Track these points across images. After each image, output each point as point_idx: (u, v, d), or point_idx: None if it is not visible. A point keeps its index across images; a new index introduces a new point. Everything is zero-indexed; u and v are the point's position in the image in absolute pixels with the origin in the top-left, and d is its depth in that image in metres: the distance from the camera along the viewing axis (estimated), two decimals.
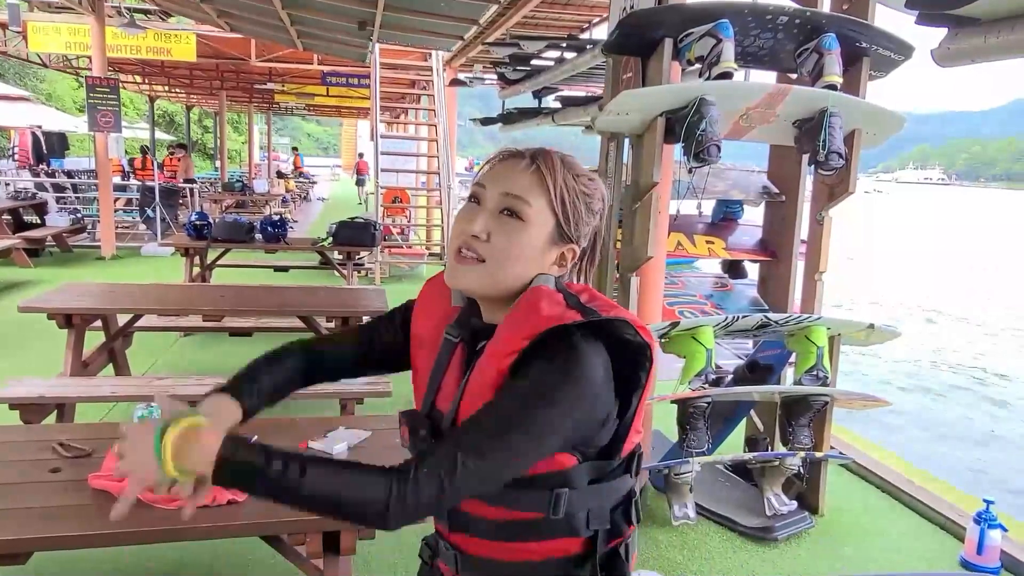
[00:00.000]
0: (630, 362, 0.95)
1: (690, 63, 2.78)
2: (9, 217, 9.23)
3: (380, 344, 1.17)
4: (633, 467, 1.02)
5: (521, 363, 0.92)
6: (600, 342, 0.93)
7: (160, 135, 22.24)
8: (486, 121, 6.54)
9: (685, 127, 2.61)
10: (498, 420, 0.89)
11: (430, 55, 10.44)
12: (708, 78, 2.66)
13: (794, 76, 3.10)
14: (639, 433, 1.01)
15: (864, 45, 2.89)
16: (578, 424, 0.92)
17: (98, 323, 4.08)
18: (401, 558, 2.68)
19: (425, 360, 1.07)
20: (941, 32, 2.10)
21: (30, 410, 3.19)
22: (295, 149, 29.24)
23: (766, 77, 3.34)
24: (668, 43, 2.78)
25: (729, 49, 2.63)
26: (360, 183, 23.19)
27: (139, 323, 4.36)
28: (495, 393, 0.93)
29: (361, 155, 24.30)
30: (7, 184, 11.04)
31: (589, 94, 5.42)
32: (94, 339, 4.11)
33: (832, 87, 2.74)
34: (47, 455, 2.04)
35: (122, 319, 4.26)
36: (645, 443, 3.17)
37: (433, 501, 0.87)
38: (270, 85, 16.17)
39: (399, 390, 4.17)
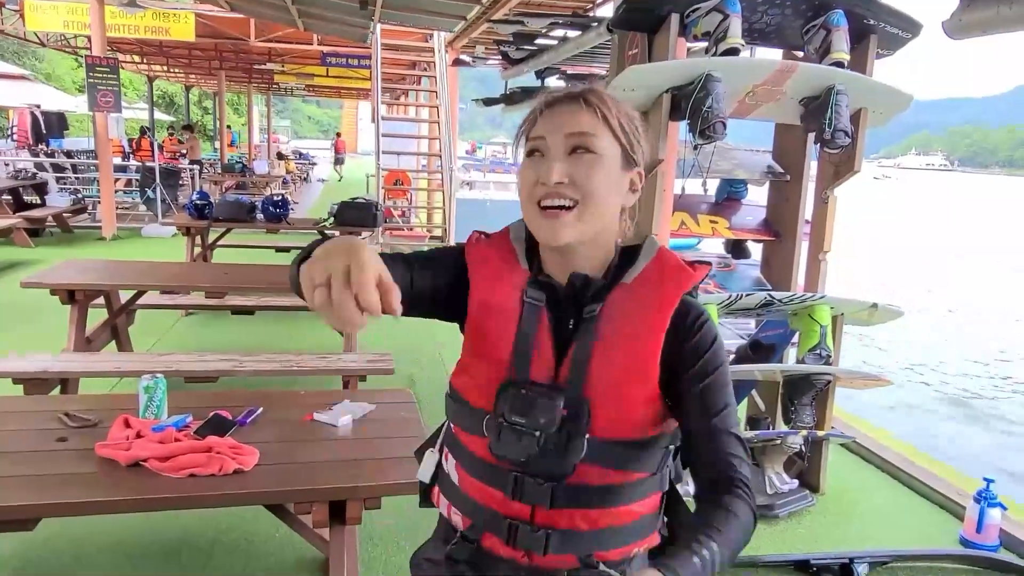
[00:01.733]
0: None
1: (696, 39, 2.76)
2: (9, 197, 9.21)
3: (426, 284, 1.03)
4: None
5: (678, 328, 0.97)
6: None
7: (159, 116, 22.13)
8: (488, 101, 6.50)
9: (691, 103, 2.60)
10: (725, 390, 0.97)
11: (432, 36, 10.37)
12: (715, 54, 2.64)
13: (800, 54, 3.08)
14: None
15: (872, 22, 2.87)
16: None
17: (100, 301, 4.08)
18: (403, 527, 2.70)
19: (500, 329, 1.01)
20: (952, 5, 2.08)
21: (34, 384, 3.20)
22: (339, 134, 29.01)
23: (771, 55, 3.32)
24: (675, 18, 2.76)
25: (736, 25, 2.61)
26: (339, 161, 24.98)
27: (141, 300, 4.36)
28: (692, 370, 0.96)
29: (338, 134, 26.50)
30: (7, 164, 11.00)
31: (592, 73, 5.38)
32: (96, 317, 4.11)
33: (839, 64, 2.72)
34: (53, 425, 2.06)
35: (124, 296, 4.26)
36: None
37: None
38: (270, 65, 16.08)
39: (401, 369, 4.18)
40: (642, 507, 1.01)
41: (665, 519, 1.07)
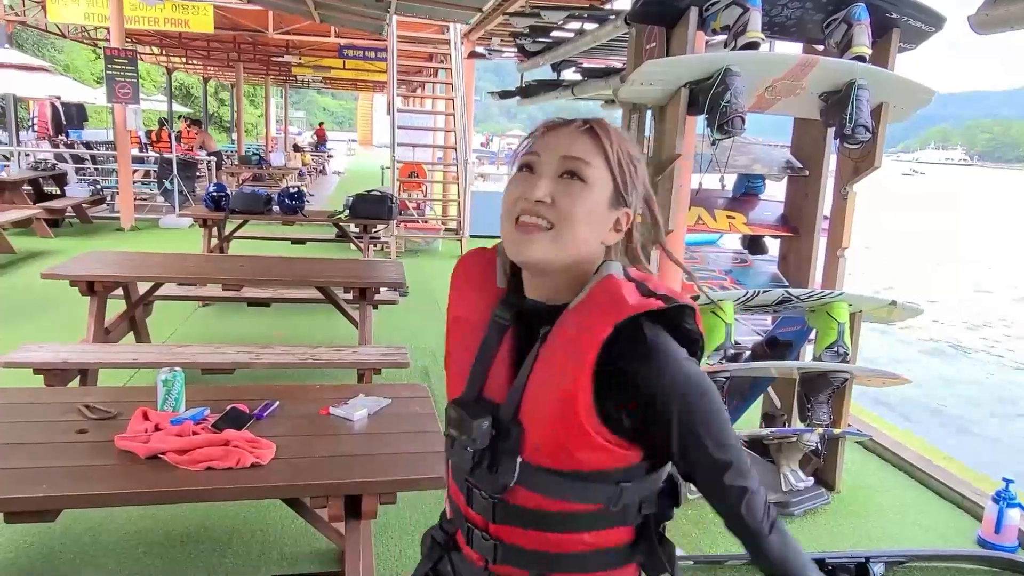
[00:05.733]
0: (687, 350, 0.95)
1: (715, 32, 2.74)
2: (29, 187, 9.31)
3: None
4: None
5: (606, 362, 0.89)
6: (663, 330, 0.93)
7: (177, 107, 22.25)
8: (504, 94, 6.48)
9: (709, 98, 2.57)
10: (718, 431, 0.91)
11: (448, 28, 10.33)
12: (734, 48, 2.62)
13: (820, 47, 3.05)
14: None
15: (894, 16, 2.83)
16: None
17: (119, 292, 4.12)
18: (417, 521, 2.72)
19: (465, 343, 1.02)
20: (977, 1, 2.05)
21: (53, 375, 3.24)
22: (321, 124, 29.77)
23: (790, 48, 3.28)
24: (693, 12, 2.73)
25: (756, 18, 2.58)
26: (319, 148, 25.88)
27: (159, 292, 4.41)
28: (689, 416, 0.89)
29: (321, 123, 29.60)
30: (27, 155, 11.12)
31: (609, 67, 5.35)
32: (114, 308, 4.16)
33: (861, 59, 2.69)
34: (73, 417, 2.08)
35: (142, 288, 4.30)
36: None
37: (762, 492, 0.95)
38: (287, 58, 16.11)
39: (415, 362, 4.20)
40: (597, 539, 0.96)
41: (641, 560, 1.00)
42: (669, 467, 0.99)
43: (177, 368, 2.17)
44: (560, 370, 0.91)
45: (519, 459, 0.94)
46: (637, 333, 0.90)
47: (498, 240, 1.02)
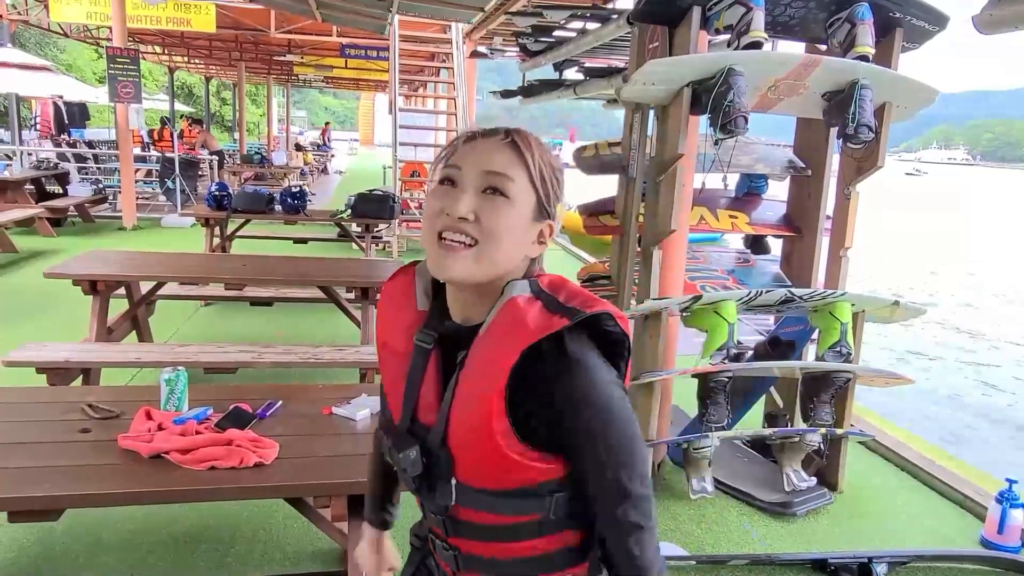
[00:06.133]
0: (610, 354, 0.94)
1: (718, 32, 2.74)
2: (32, 187, 9.32)
3: None
4: None
5: (523, 384, 0.89)
6: (588, 339, 0.92)
7: (179, 107, 22.27)
8: (506, 94, 6.47)
9: (712, 97, 2.57)
10: (625, 460, 0.90)
11: (450, 27, 10.33)
12: (737, 47, 2.62)
13: (823, 47, 3.04)
14: None
15: (897, 15, 2.83)
16: None
17: (121, 291, 4.13)
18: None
19: (395, 369, 1.01)
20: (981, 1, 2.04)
21: (56, 374, 3.24)
22: (327, 123, 30.01)
23: (793, 48, 3.28)
24: (696, 11, 2.73)
25: (759, 18, 2.58)
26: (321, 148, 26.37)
27: (161, 291, 4.41)
28: (593, 437, 0.89)
29: (327, 123, 30.40)
30: (30, 154, 11.13)
31: (611, 67, 5.34)
32: (117, 307, 4.16)
33: (864, 58, 2.68)
34: (76, 416, 2.08)
35: (145, 287, 4.30)
36: (663, 417, 3.17)
37: (653, 522, 0.93)
38: (289, 57, 16.11)
39: None
40: (548, 543, 0.97)
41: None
42: None
43: (180, 367, 2.17)
44: (475, 397, 0.91)
45: (453, 481, 0.95)
46: (559, 346, 0.89)
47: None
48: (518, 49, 6.03)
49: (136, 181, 10.78)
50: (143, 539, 2.53)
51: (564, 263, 8.47)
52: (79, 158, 11.62)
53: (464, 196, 0.91)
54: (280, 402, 2.24)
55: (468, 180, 0.92)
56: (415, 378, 0.98)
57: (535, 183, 0.94)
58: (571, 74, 5.57)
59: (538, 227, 0.96)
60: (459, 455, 0.94)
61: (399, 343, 1.01)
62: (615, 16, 4.05)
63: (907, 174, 79.98)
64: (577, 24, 4.69)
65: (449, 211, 0.91)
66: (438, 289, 1.01)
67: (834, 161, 3.21)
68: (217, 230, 6.30)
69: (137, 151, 11.45)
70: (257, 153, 16.41)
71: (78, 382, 3.36)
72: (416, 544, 1.17)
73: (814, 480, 3.11)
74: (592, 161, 3.78)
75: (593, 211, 3.62)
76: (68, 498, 1.72)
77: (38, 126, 13.08)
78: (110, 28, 10.04)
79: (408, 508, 2.82)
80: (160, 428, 1.98)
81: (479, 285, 0.94)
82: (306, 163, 18.70)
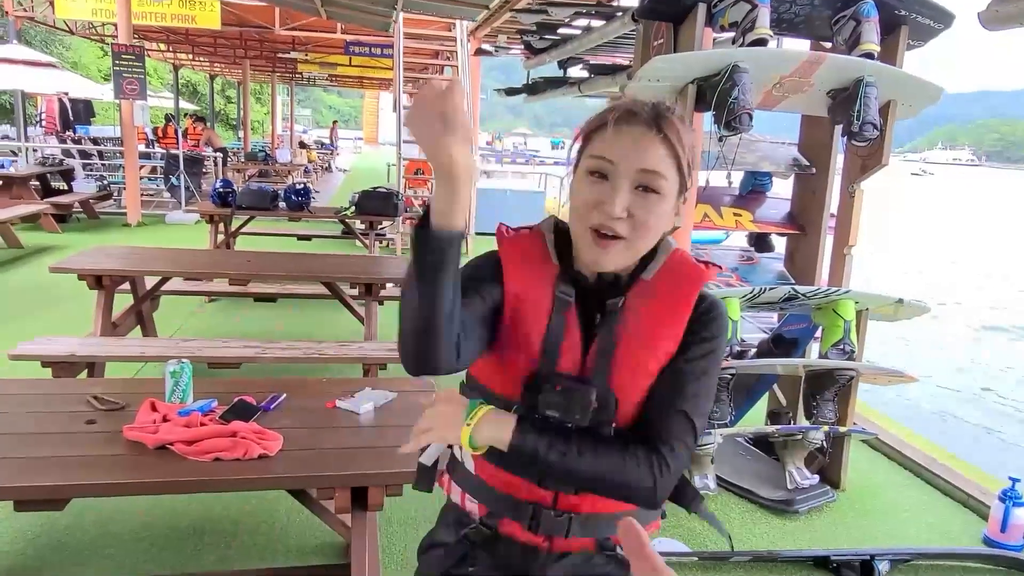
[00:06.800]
0: None
1: (723, 29, 2.74)
2: (37, 183, 9.34)
3: (484, 310, 1.02)
4: None
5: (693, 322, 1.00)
6: None
7: (184, 104, 22.31)
8: (511, 91, 6.49)
9: (717, 94, 2.57)
10: (702, 379, 0.99)
11: (454, 25, 10.32)
12: (742, 45, 2.62)
13: (828, 44, 3.04)
14: None
15: (903, 13, 2.82)
16: None
17: (126, 286, 4.14)
18: (422, 513, 2.72)
19: (532, 318, 1.01)
20: None
21: (62, 367, 3.25)
22: (335, 122, 30.27)
23: (798, 45, 3.28)
24: (702, 8, 2.73)
25: (764, 15, 2.58)
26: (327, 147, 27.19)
27: (166, 287, 4.42)
28: (684, 353, 0.99)
29: (335, 122, 31.40)
30: (35, 150, 11.16)
31: (616, 64, 5.35)
32: (122, 302, 4.17)
33: (869, 56, 2.68)
34: (82, 407, 2.09)
35: (150, 282, 4.32)
36: None
37: (683, 468, 0.97)
38: (293, 54, 16.13)
39: None
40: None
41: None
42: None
43: (185, 360, 2.18)
44: (651, 338, 0.99)
45: (613, 428, 0.99)
46: (699, 298, 1.02)
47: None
48: (523, 47, 6.04)
49: (141, 178, 10.81)
50: (148, 531, 2.54)
51: None
52: (84, 155, 11.65)
53: (618, 196, 0.96)
54: (284, 395, 2.25)
55: (623, 177, 0.96)
56: (558, 328, 1.01)
57: (683, 172, 0.99)
58: (576, 71, 5.57)
59: (678, 204, 1.03)
60: (624, 400, 0.99)
61: (540, 295, 1.03)
62: (620, 13, 4.05)
63: (913, 174, 79.64)
64: (582, 21, 4.70)
65: (604, 208, 0.96)
66: (561, 243, 1.07)
67: (839, 159, 3.21)
68: (221, 227, 6.32)
69: (142, 148, 11.48)
70: (261, 151, 16.43)
71: (83, 376, 3.37)
72: (472, 540, 1.08)
73: (817, 478, 3.11)
74: None
75: None
76: (74, 487, 1.73)
77: (43, 122, 13.11)
78: (115, 25, 10.05)
79: (423, 504, 2.82)
80: (165, 420, 1.99)
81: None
82: (310, 161, 18.72)
